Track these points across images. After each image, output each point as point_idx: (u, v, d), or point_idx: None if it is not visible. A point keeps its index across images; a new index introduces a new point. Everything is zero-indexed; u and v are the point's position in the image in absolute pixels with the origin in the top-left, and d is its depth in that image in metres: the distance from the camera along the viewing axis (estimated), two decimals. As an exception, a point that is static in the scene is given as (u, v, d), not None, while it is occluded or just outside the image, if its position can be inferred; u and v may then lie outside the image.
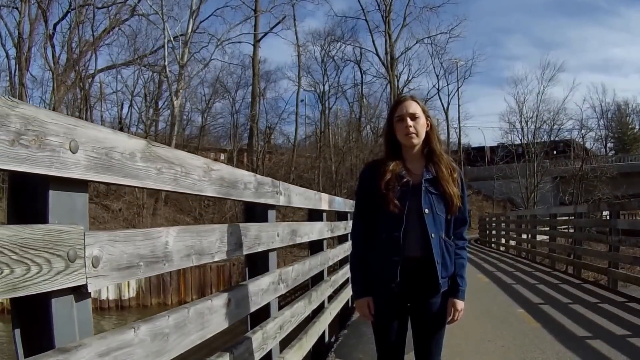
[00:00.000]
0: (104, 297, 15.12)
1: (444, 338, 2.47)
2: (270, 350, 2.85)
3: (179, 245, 1.74)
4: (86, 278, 1.27)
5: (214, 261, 2.10)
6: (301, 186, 3.65)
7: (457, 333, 4.63)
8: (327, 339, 5.14)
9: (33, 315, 1.26)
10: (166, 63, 25.88)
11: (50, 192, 1.20)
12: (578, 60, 72.04)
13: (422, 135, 2.33)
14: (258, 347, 2.57)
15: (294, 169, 30.46)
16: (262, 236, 2.71)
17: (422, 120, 2.32)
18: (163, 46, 26.33)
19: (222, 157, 31.79)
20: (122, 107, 29.91)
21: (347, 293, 6.56)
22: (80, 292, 1.28)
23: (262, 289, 2.68)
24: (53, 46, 24.97)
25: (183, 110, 29.19)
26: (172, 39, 26.06)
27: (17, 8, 23.95)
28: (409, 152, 2.36)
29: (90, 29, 25.95)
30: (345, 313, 6.54)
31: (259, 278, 2.72)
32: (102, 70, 28.08)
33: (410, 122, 2.29)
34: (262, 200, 2.77)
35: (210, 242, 2.01)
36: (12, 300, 1.23)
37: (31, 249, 1.10)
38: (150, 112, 29.22)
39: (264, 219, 2.91)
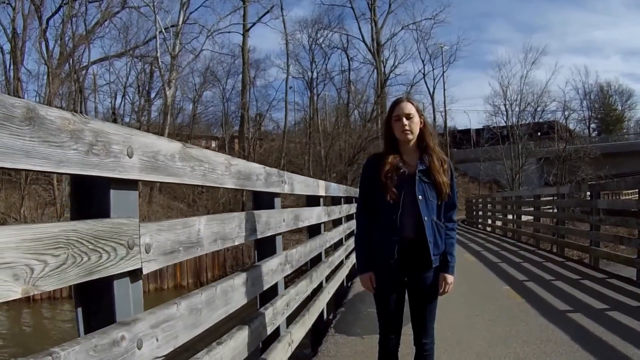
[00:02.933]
0: None
1: (436, 311, 2.78)
2: (279, 326, 3.12)
3: (208, 231, 1.99)
4: (141, 262, 1.50)
5: (234, 245, 2.35)
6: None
7: (447, 309, 4.92)
8: (325, 316, 5.44)
9: (95, 296, 1.48)
10: (158, 54, 25.96)
11: (112, 191, 1.43)
12: (560, 43, 72.77)
13: (416, 132, 2.63)
14: (269, 321, 2.85)
15: (285, 155, 30.61)
16: (271, 222, 2.99)
17: (416, 118, 2.62)
18: (155, 37, 26.40)
19: (214, 144, 31.98)
20: (115, 98, 30.03)
21: (343, 273, 6.85)
22: (135, 275, 1.52)
23: (272, 270, 2.96)
24: (47, 40, 25.00)
25: (175, 99, 29.32)
26: (163, 30, 26.06)
27: (10, 4, 24.08)
28: (405, 146, 2.65)
29: (83, 22, 25.97)
30: (341, 292, 6.83)
31: (269, 260, 2.99)
32: (95, 62, 28.15)
33: (406, 121, 2.59)
34: (270, 190, 3.04)
35: (231, 228, 2.27)
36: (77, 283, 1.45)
37: (102, 239, 1.33)
38: (142, 102, 29.35)
39: (270, 206, 3.17)
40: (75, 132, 1.23)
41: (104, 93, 30.20)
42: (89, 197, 1.44)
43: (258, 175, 2.78)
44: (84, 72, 26.85)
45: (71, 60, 24.93)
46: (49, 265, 1.13)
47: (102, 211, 1.42)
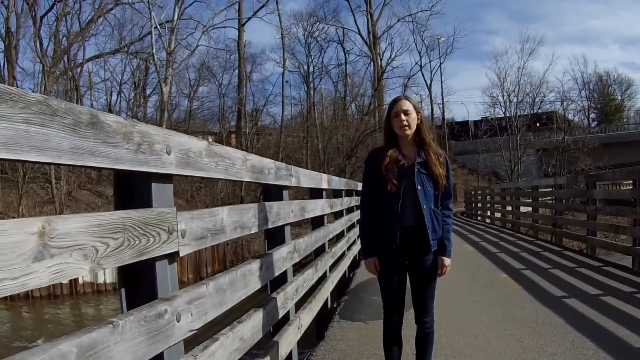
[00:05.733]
0: (100, 280, 14.90)
1: (436, 297, 3.03)
2: (289, 310, 3.35)
3: (229, 220, 2.21)
4: (179, 246, 1.72)
5: (251, 233, 2.57)
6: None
7: (447, 295, 5.15)
8: (329, 305, 5.66)
9: (137, 277, 1.68)
10: (154, 51, 26.11)
11: (153, 184, 1.64)
12: (557, 32, 72.68)
13: (414, 127, 2.86)
14: (281, 305, 3.08)
15: (282, 149, 30.76)
16: (281, 212, 3.21)
17: (414, 115, 2.86)
18: (149, 34, 26.53)
19: (211, 139, 32.01)
20: (111, 95, 30.19)
21: (345, 264, 7.07)
22: (172, 257, 1.73)
23: (282, 257, 3.19)
24: (40, 38, 25.17)
25: (170, 95, 29.48)
26: (158, 26, 26.16)
27: (3, 3, 24.31)
28: (403, 140, 2.89)
29: (77, 20, 26.17)
30: (343, 283, 7.06)
31: (280, 248, 3.22)
32: (90, 59, 28.29)
33: (403, 117, 2.83)
34: (279, 183, 3.26)
35: (248, 218, 2.49)
36: (119, 267, 1.65)
37: (150, 226, 1.54)
38: (139, 99, 29.55)
39: (279, 198, 3.39)
40: (127, 134, 1.44)
41: (99, 90, 30.40)
42: (132, 189, 1.64)
43: (269, 170, 3.01)
44: (79, 69, 27.06)
45: (66, 57, 25.11)
46: (110, 246, 1.34)
47: (145, 202, 1.62)
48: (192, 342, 1.92)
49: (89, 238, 1.26)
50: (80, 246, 1.23)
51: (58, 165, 1.22)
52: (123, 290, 1.71)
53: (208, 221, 1.97)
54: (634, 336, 4.06)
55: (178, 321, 1.67)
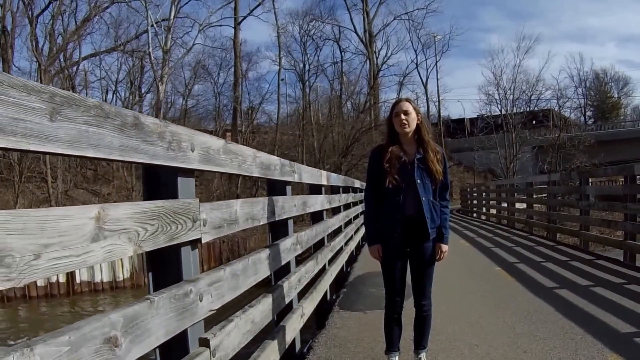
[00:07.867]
0: (97, 279, 15.10)
1: (433, 287, 3.27)
2: (292, 299, 3.56)
3: (242, 212, 2.42)
4: (201, 233, 1.92)
5: (260, 224, 2.78)
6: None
7: (443, 287, 5.36)
8: (329, 297, 5.86)
9: (163, 262, 1.88)
10: (150, 49, 26.18)
11: (179, 178, 1.84)
12: (554, 30, 72.94)
13: (413, 126, 3.12)
14: (286, 293, 3.30)
15: (278, 148, 30.86)
16: (285, 206, 3.43)
17: (413, 115, 3.11)
18: (145, 32, 26.65)
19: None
20: (106, 94, 30.30)
21: (343, 259, 7.27)
22: (194, 244, 1.93)
23: (287, 248, 3.41)
24: (36, 37, 25.24)
25: (166, 93, 29.59)
26: (154, 24, 26.26)
27: (-1, 3, 24.30)
28: (404, 138, 3.14)
29: (73, 18, 26.29)
30: (341, 277, 7.25)
31: (284, 240, 3.43)
32: (86, 58, 28.41)
33: (403, 117, 3.09)
34: (284, 178, 3.48)
35: (257, 210, 2.71)
36: (148, 252, 1.85)
37: (178, 215, 1.74)
38: (135, 97, 29.67)
39: (283, 193, 3.59)
40: (161, 134, 1.64)
41: (94, 89, 30.51)
42: (159, 182, 1.84)
43: (275, 166, 3.23)
44: (74, 68, 27.14)
45: (62, 56, 25.22)
46: (148, 231, 1.54)
47: (171, 194, 1.82)
48: (208, 323, 2.12)
49: (132, 223, 1.46)
50: (126, 230, 1.43)
51: (110, 161, 1.42)
52: (151, 274, 1.91)
53: (225, 212, 2.18)
54: (620, 322, 4.29)
55: (201, 301, 1.87)
